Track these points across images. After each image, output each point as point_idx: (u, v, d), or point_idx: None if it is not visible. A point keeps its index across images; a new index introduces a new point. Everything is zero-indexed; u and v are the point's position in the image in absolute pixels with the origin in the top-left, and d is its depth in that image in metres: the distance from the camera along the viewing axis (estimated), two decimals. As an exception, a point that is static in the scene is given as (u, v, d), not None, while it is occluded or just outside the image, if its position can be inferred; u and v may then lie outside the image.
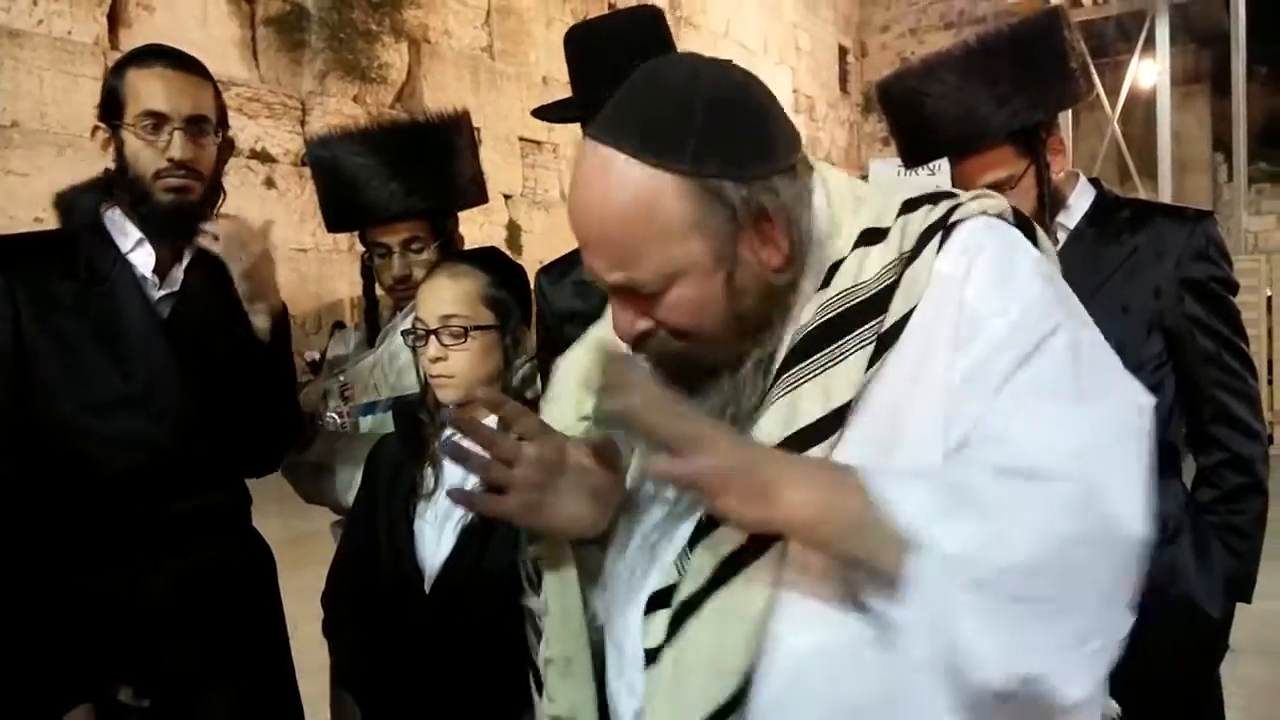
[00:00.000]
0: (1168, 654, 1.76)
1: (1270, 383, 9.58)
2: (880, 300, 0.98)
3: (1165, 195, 13.16)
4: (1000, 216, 1.03)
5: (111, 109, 1.79)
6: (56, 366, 1.71)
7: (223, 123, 1.86)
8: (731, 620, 0.94)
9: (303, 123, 9.62)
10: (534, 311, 2.30)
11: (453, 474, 1.71)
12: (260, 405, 1.84)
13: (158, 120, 1.75)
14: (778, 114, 1.01)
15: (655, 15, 2.00)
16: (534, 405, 2.12)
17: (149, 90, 1.76)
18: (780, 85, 18.46)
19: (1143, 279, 1.96)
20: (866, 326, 0.97)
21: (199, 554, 1.80)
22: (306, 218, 9.36)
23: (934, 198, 1.04)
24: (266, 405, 1.85)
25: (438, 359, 1.67)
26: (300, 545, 2.87)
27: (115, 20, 8.05)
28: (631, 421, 0.89)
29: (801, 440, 0.95)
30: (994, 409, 0.91)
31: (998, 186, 1.94)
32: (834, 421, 0.96)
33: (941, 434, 0.93)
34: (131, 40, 8.06)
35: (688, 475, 0.87)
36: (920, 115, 2.01)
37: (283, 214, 9.40)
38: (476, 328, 1.68)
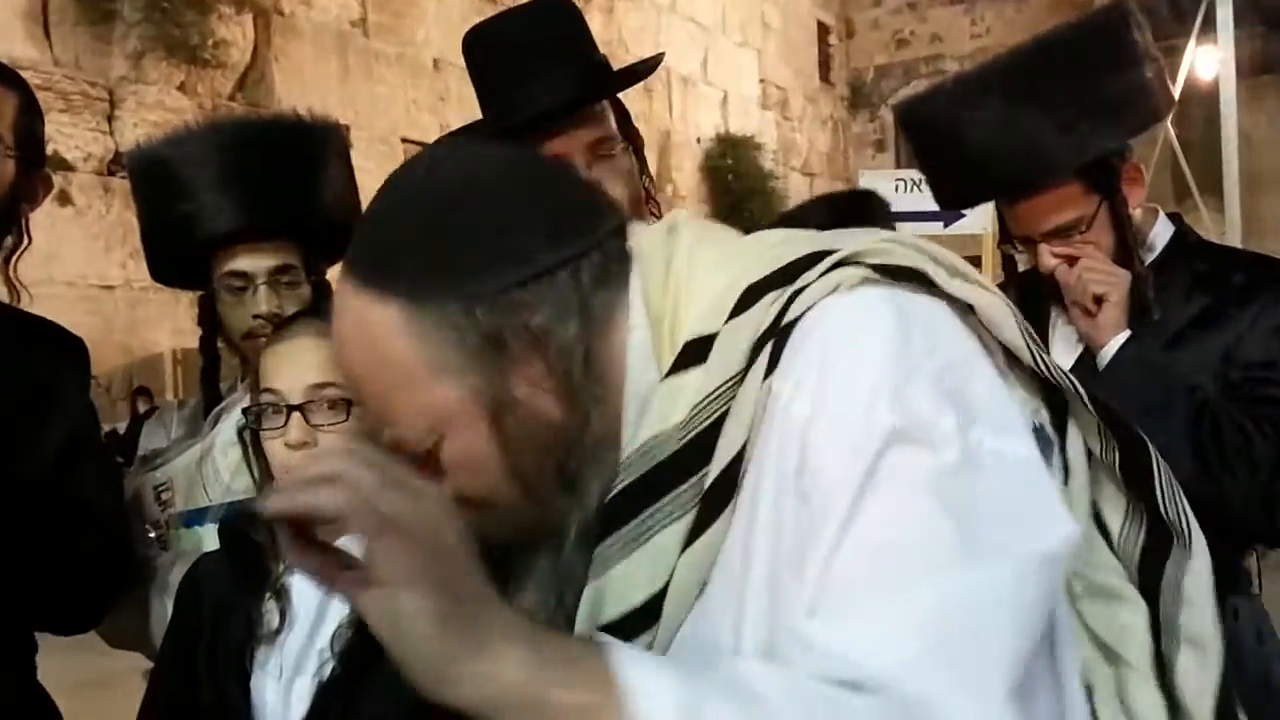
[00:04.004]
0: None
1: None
2: (698, 447, 0.94)
3: (1234, 217, 13.58)
4: (872, 279, 0.95)
5: None
6: None
7: (23, 145, 1.87)
8: None
9: (110, 118, 9.54)
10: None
11: (306, 606, 1.68)
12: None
13: None
14: (553, 190, 1.01)
15: (565, 3, 2.07)
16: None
17: None
18: (743, 72, 18.80)
19: (1207, 350, 2.04)
20: (682, 488, 0.94)
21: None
22: (113, 244, 9.24)
23: (788, 272, 0.96)
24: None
25: (302, 444, 1.63)
26: (101, 690, 2.79)
27: None
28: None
29: (610, 634, 0.94)
30: (815, 605, 0.85)
31: (1065, 231, 2.05)
32: (638, 619, 0.95)
33: (752, 636, 0.90)
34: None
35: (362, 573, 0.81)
36: (960, 149, 2.08)
37: (81, 238, 9.26)
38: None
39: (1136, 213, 2.11)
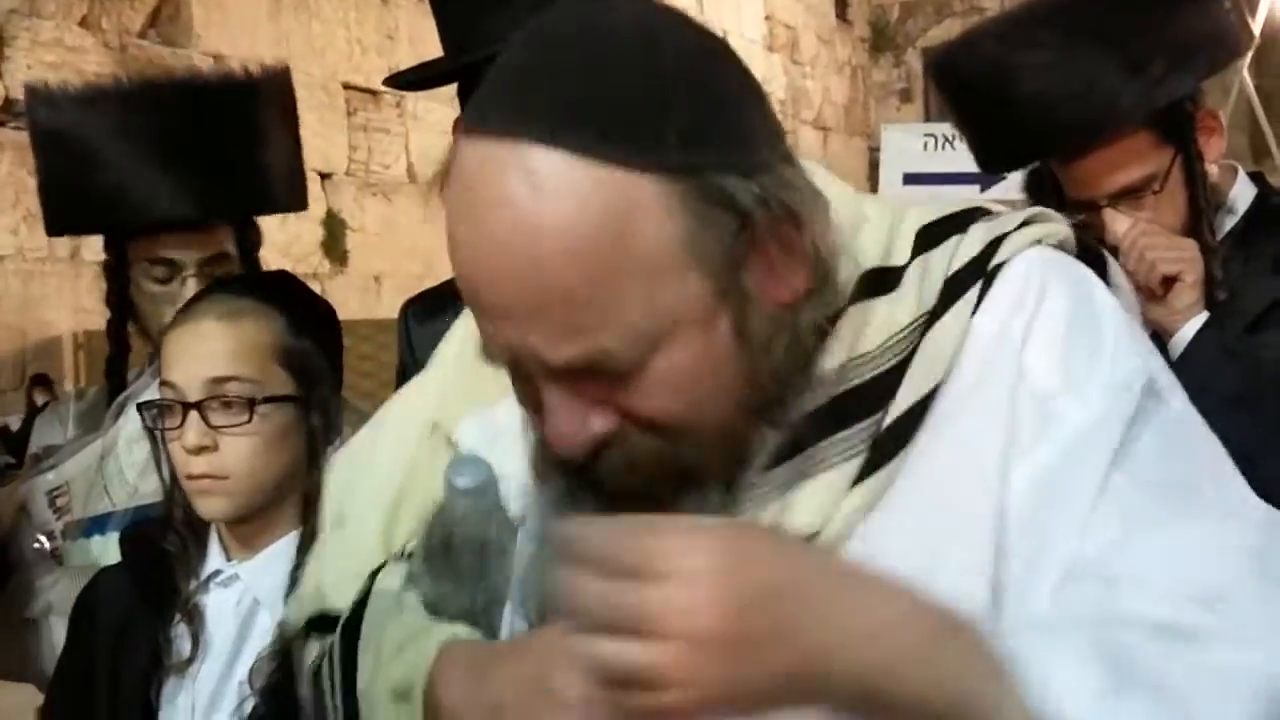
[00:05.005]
0: None
1: None
2: (881, 386, 1.01)
3: (1320, 180, 13.59)
4: (1061, 246, 1.10)
5: None
6: None
7: None
8: None
9: (-1, 58, 9.47)
10: (399, 364, 2.32)
11: (223, 631, 1.69)
12: None
13: None
14: (759, 85, 1.05)
15: None
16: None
17: None
18: (745, 8, 18.80)
19: None
20: (857, 427, 1.00)
21: None
22: (3, 205, 9.17)
23: (961, 220, 1.08)
24: None
25: (201, 449, 1.63)
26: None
27: None
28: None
29: None
30: (1098, 531, 0.97)
31: (1134, 191, 2.05)
32: None
33: (991, 560, 0.98)
34: None
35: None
36: (1010, 98, 2.08)
37: (-36, 200, 9.20)
38: (268, 399, 1.66)
39: (1213, 170, 2.11)
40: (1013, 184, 2.38)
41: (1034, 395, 1.01)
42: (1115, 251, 2.04)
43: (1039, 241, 1.08)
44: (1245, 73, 15.18)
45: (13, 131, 9.30)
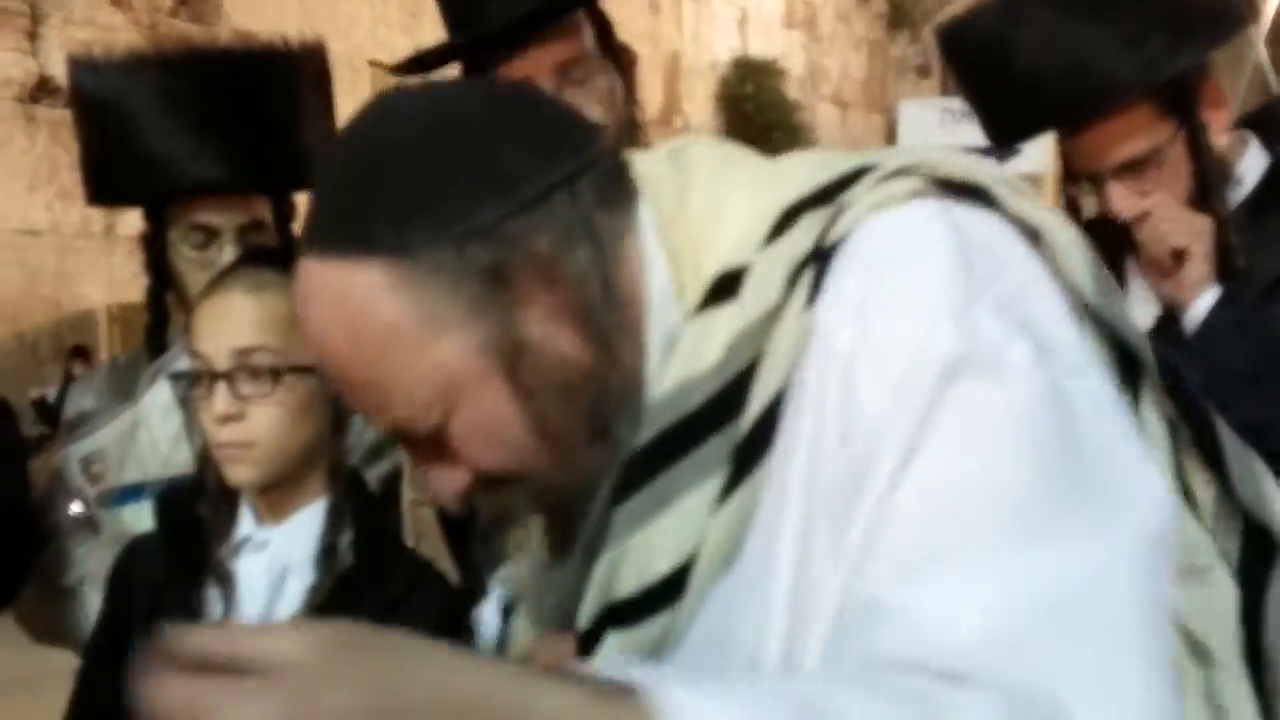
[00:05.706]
0: None
1: None
2: (732, 394, 0.96)
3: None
4: (924, 192, 0.96)
5: None
6: None
7: None
8: None
9: (33, 37, 9.51)
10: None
11: (254, 592, 1.69)
12: None
13: None
14: (528, 109, 1.03)
15: None
16: (395, 486, 2.16)
17: None
18: (765, -14, 18.69)
19: None
20: (714, 440, 0.96)
21: None
22: (38, 183, 9.22)
23: (829, 191, 0.97)
24: None
25: (229, 417, 1.63)
26: (26, 693, 2.83)
27: None
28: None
29: (616, 620, 0.97)
30: (873, 556, 0.85)
31: (1135, 165, 2.02)
32: (660, 594, 0.96)
33: (786, 596, 0.91)
34: None
35: None
36: (1010, 73, 2.08)
37: (2, 176, 9.24)
38: (294, 369, 1.65)
39: (1221, 141, 2.07)
40: (1028, 158, 2.35)
41: (844, 395, 0.90)
42: (1123, 225, 2.03)
43: (888, 203, 0.95)
44: (1260, 45, 14.98)
45: (46, 109, 9.34)
